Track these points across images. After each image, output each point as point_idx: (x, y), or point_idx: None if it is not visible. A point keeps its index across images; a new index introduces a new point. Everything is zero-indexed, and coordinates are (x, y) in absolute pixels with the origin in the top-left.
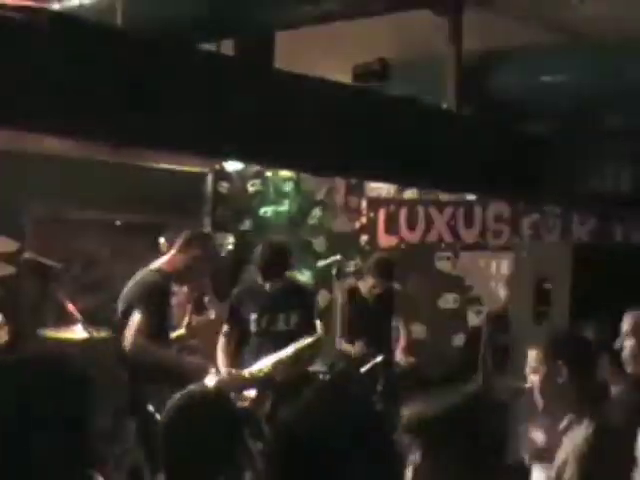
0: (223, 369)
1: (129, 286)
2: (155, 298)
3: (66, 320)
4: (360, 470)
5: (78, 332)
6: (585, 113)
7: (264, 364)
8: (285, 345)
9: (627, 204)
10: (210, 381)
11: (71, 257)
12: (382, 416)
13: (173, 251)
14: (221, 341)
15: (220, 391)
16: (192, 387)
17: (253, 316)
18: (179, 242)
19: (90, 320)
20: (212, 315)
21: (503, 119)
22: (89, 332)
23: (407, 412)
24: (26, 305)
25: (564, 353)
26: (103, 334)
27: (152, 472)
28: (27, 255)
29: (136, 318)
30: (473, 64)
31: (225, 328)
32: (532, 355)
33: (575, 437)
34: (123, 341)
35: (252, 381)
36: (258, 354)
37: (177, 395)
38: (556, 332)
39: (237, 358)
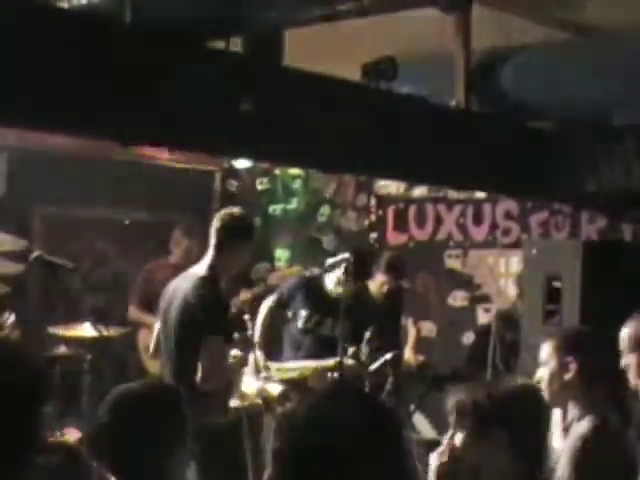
0: (259, 352)
1: (184, 303)
2: (223, 315)
3: (76, 318)
4: (369, 468)
5: (87, 330)
6: (594, 110)
7: (302, 366)
8: (326, 350)
9: (636, 202)
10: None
11: (80, 255)
12: (392, 413)
13: (212, 250)
14: (263, 313)
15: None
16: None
17: (303, 312)
18: (216, 239)
19: (99, 318)
20: None
21: (512, 117)
22: (98, 330)
23: (456, 396)
24: (35, 303)
25: (575, 349)
26: (112, 332)
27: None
28: (37, 253)
29: (215, 349)
30: (482, 62)
31: (270, 303)
32: (544, 348)
33: (573, 434)
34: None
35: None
36: (298, 351)
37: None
38: (570, 327)
39: (273, 347)
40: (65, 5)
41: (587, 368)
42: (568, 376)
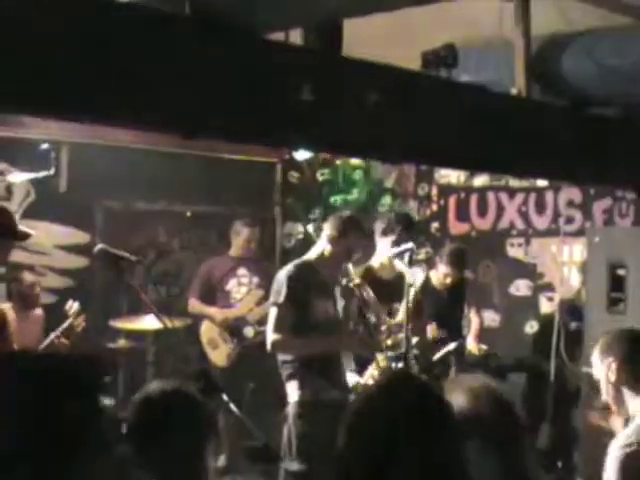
0: None
1: None
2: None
3: (139, 310)
4: (425, 455)
5: (151, 322)
6: None
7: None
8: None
9: None
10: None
11: (142, 248)
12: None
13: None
14: None
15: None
16: None
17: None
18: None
19: (162, 310)
20: None
21: (573, 103)
22: (162, 322)
23: None
24: (99, 296)
25: (614, 351)
26: (176, 323)
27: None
28: (100, 246)
29: None
30: (543, 48)
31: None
32: (594, 352)
33: (616, 443)
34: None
35: None
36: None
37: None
38: (618, 329)
39: None
40: None
41: (628, 367)
42: (612, 378)
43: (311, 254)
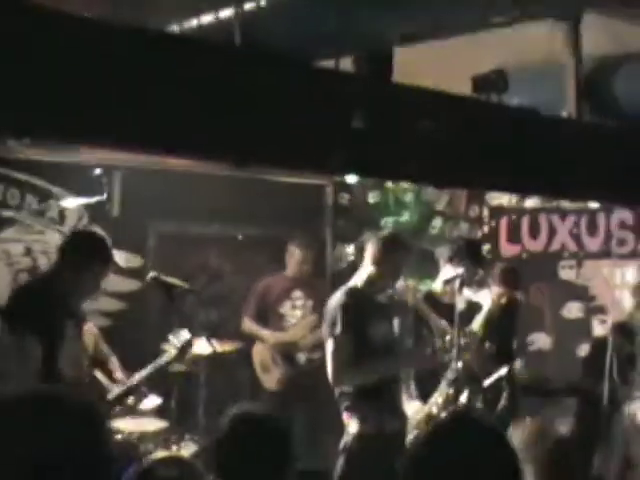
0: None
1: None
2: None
3: (191, 334)
4: None
5: (202, 347)
6: None
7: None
8: None
9: None
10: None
11: (194, 271)
12: (503, 436)
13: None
14: None
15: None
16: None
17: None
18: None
19: (214, 333)
20: None
21: (625, 125)
22: (213, 346)
23: None
24: (152, 319)
25: None
26: (227, 348)
27: None
28: (152, 274)
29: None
30: (594, 71)
31: None
32: None
33: None
34: None
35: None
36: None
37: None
38: None
39: None
40: (176, 29)
41: None
42: None
43: (358, 278)
